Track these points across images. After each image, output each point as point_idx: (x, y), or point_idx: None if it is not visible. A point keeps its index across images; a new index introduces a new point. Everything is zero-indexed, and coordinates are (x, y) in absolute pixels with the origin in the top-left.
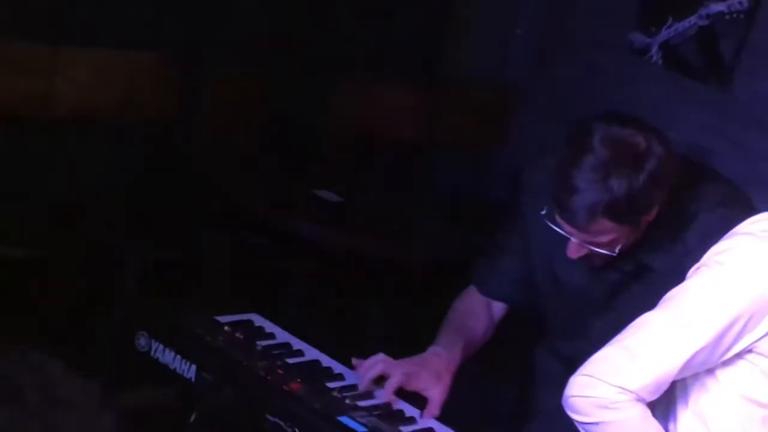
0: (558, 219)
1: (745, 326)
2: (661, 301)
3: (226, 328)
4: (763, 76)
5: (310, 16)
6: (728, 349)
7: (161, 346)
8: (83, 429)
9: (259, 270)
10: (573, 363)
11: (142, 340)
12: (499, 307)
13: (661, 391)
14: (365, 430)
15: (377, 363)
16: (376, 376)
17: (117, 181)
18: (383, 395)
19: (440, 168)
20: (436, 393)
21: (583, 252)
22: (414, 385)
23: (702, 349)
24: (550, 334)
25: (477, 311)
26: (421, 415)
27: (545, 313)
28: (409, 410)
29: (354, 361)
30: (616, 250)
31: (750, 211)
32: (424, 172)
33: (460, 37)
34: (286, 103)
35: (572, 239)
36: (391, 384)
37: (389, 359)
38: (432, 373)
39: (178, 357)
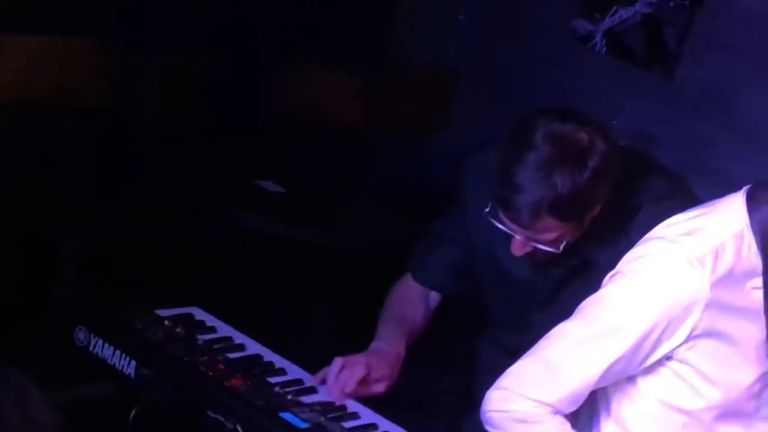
0: (501, 216)
1: (662, 334)
2: (577, 310)
3: (166, 322)
4: (707, 64)
5: (251, 0)
6: (647, 357)
7: (100, 341)
8: None
9: (200, 262)
10: (516, 355)
11: (80, 335)
12: (435, 296)
13: (579, 403)
14: (307, 426)
15: (341, 372)
16: (343, 388)
17: (53, 171)
18: (347, 386)
19: (384, 153)
20: (382, 386)
21: (527, 249)
22: (372, 378)
23: (619, 359)
24: (493, 326)
25: (414, 300)
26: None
27: (488, 304)
28: (352, 405)
29: (314, 379)
30: (561, 247)
31: (693, 202)
32: (367, 158)
33: (404, 21)
34: (226, 89)
35: (516, 236)
36: (355, 377)
37: (346, 359)
38: (386, 367)
39: (118, 352)
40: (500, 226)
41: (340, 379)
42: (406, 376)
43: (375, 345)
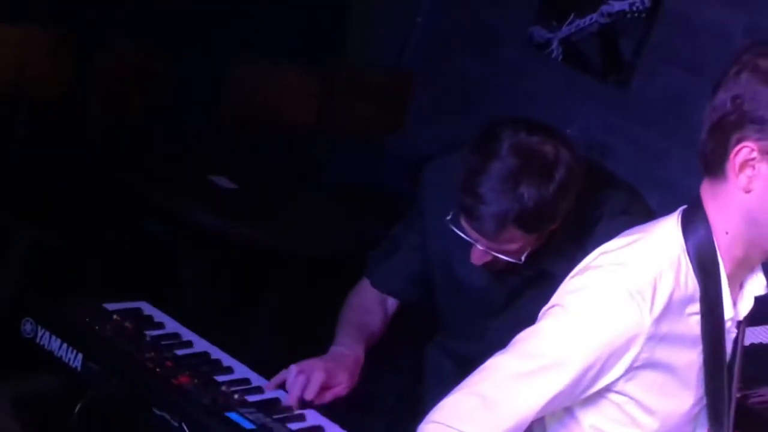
0: (464, 225)
1: (601, 369)
2: (513, 342)
3: (114, 316)
4: (662, 75)
5: None
6: (585, 390)
7: (47, 333)
8: None
9: (149, 256)
10: (466, 362)
11: (27, 326)
12: (392, 302)
13: None
14: (253, 427)
15: (298, 377)
16: (302, 393)
17: (7, 157)
18: (309, 394)
19: (336, 154)
20: (341, 389)
21: (487, 258)
22: (332, 383)
23: (558, 395)
24: (443, 332)
25: (372, 307)
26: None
27: (440, 311)
28: (298, 407)
29: (267, 385)
30: (522, 258)
31: (649, 217)
32: (320, 158)
33: (361, 23)
34: (183, 83)
35: (477, 246)
36: (316, 382)
37: (303, 364)
38: (344, 372)
39: (65, 345)
40: (461, 234)
41: (298, 384)
42: None
43: (334, 349)
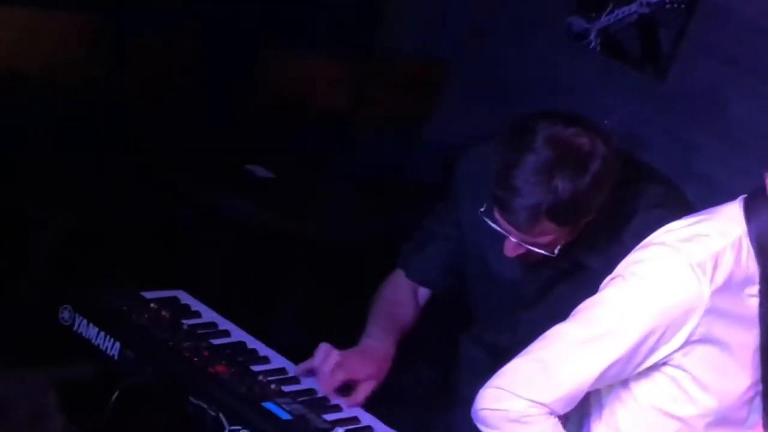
0: (497, 217)
1: (659, 339)
2: (575, 312)
3: (152, 304)
4: (700, 67)
5: None
6: (643, 361)
7: (85, 321)
8: None
9: (185, 245)
10: (499, 354)
11: (65, 314)
12: (424, 292)
13: (574, 405)
14: (290, 417)
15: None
16: (339, 379)
17: (37, 146)
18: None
19: (369, 143)
20: (372, 384)
21: (521, 251)
22: (358, 375)
23: (616, 362)
24: (477, 323)
25: (404, 298)
26: (345, 402)
27: (473, 302)
28: (334, 398)
29: (297, 370)
30: (556, 251)
31: (687, 210)
32: (353, 147)
33: (396, 11)
34: (215, 71)
35: (511, 238)
36: (336, 380)
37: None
38: (374, 365)
39: (102, 333)
40: (495, 226)
41: (327, 366)
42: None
43: (365, 342)
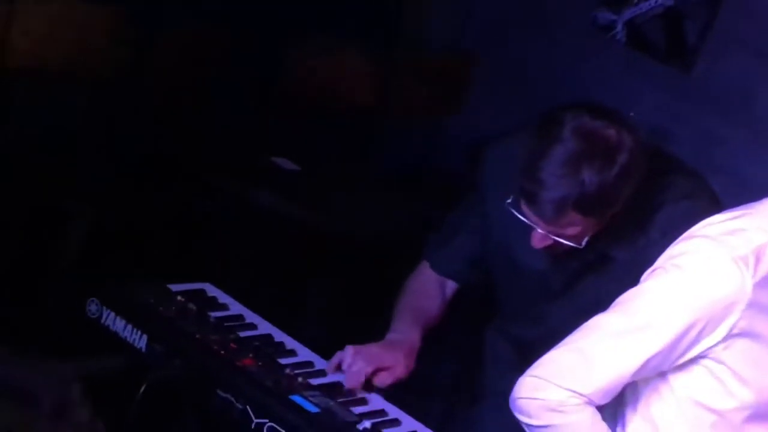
0: (524, 208)
1: (701, 332)
2: (615, 303)
3: (179, 297)
4: (726, 60)
5: None
6: (683, 354)
7: (112, 314)
8: None
9: (211, 237)
10: (524, 347)
11: (92, 307)
12: (451, 285)
13: (613, 396)
14: (317, 410)
15: (356, 360)
16: (363, 380)
17: (66, 139)
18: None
19: (395, 135)
20: (400, 372)
21: (547, 242)
22: (383, 365)
23: (657, 354)
24: (502, 316)
25: (431, 291)
26: (374, 379)
27: (499, 295)
28: (361, 390)
29: (329, 366)
30: (583, 243)
31: (715, 203)
32: (379, 139)
33: (422, 5)
34: (241, 63)
35: (537, 230)
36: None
37: (356, 353)
38: (400, 357)
39: (129, 326)
40: (522, 218)
41: (355, 366)
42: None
43: (390, 336)
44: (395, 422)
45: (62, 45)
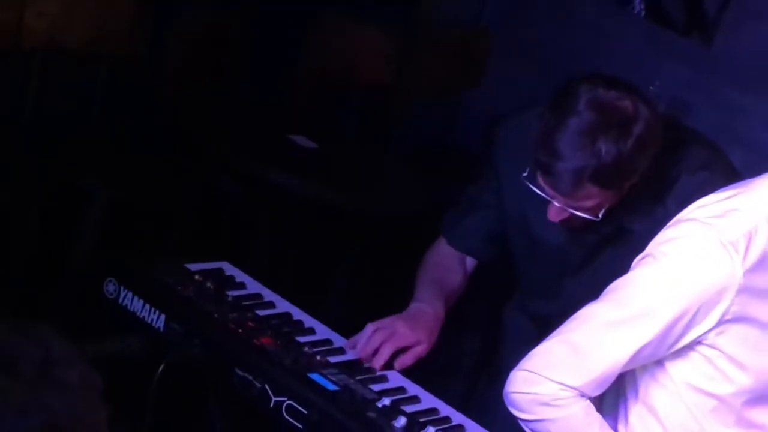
0: (540, 182)
1: (692, 320)
2: (605, 292)
3: (196, 276)
4: (746, 32)
5: None
6: (675, 342)
7: (130, 294)
8: (75, 415)
9: (227, 216)
10: (544, 322)
11: (110, 287)
12: (470, 261)
13: (606, 387)
14: (336, 388)
15: (373, 336)
16: (374, 349)
17: (84, 119)
18: (379, 357)
19: (414, 113)
20: (422, 349)
21: (564, 215)
22: (407, 341)
23: (648, 344)
24: (521, 292)
25: (452, 265)
26: (395, 362)
27: (517, 270)
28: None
29: (346, 345)
30: (600, 215)
31: (731, 174)
32: (398, 117)
33: None
34: (260, 43)
35: (554, 203)
36: (391, 345)
37: (380, 323)
38: (424, 329)
39: (147, 306)
40: (538, 191)
41: (372, 343)
42: None
43: (414, 306)
44: (415, 399)
45: (79, 25)
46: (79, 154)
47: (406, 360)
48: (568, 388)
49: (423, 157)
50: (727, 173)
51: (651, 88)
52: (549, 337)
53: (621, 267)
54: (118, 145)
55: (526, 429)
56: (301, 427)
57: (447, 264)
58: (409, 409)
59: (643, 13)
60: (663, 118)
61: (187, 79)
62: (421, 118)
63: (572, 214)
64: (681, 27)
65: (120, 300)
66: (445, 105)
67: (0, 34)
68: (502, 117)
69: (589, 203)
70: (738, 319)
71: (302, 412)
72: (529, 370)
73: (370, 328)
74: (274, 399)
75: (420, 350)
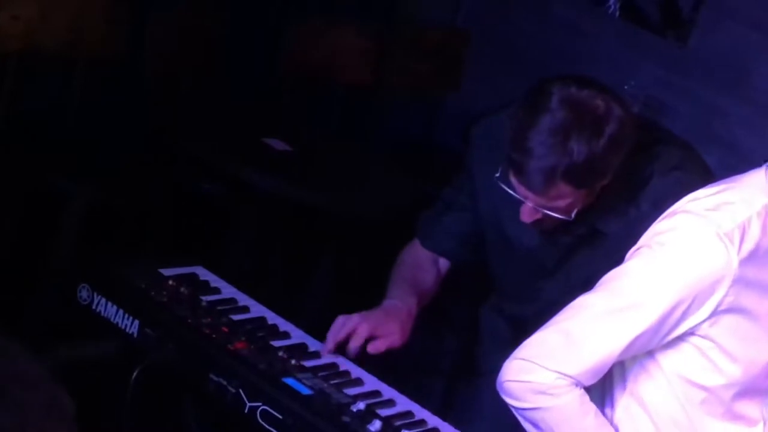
0: (512, 181)
1: (687, 310)
2: (601, 282)
3: (170, 281)
4: (722, 31)
5: None
6: (670, 332)
7: (103, 300)
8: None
9: (203, 219)
10: (520, 325)
11: (83, 293)
12: (445, 262)
13: (600, 376)
14: (311, 392)
15: (342, 326)
16: (343, 338)
17: (61, 120)
18: (351, 347)
19: (391, 114)
20: (394, 339)
21: (537, 216)
22: (380, 332)
23: (643, 333)
24: (497, 293)
25: (425, 265)
26: (368, 346)
27: (493, 272)
28: (356, 371)
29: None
30: (573, 215)
31: (705, 174)
32: (375, 118)
33: None
34: (237, 43)
35: (527, 203)
36: (360, 335)
37: (349, 316)
38: (397, 322)
39: (121, 311)
40: (510, 191)
41: (342, 332)
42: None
43: (386, 302)
44: (390, 403)
45: (54, 28)
46: (56, 156)
47: (379, 345)
48: (564, 377)
49: (401, 157)
50: (701, 173)
51: (626, 87)
52: (544, 326)
53: (596, 269)
54: (94, 147)
55: (520, 418)
56: (275, 431)
57: (420, 264)
58: (384, 412)
59: (617, 13)
60: (636, 118)
61: (165, 80)
62: (400, 118)
63: (545, 214)
64: (656, 26)
65: (94, 306)
66: (424, 105)
67: None
68: (477, 117)
69: (561, 203)
70: (731, 310)
71: (277, 416)
72: (524, 359)
73: (341, 319)
74: (248, 404)
75: (393, 340)
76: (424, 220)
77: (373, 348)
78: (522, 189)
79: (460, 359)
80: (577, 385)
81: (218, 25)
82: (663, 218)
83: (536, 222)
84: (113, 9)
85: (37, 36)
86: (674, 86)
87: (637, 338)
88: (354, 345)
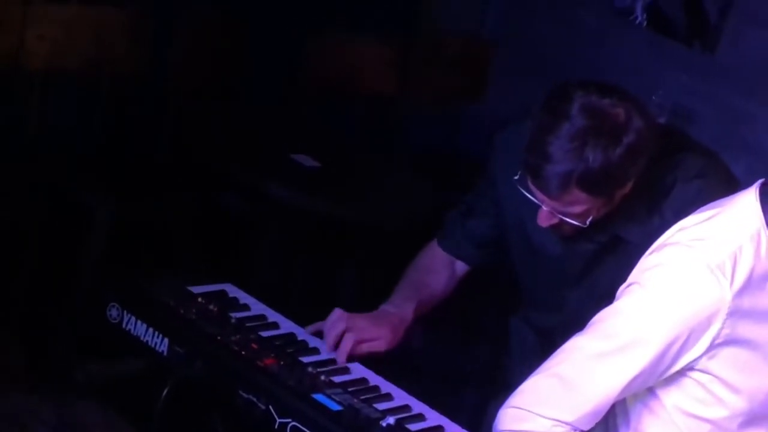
0: (530, 185)
1: (682, 346)
2: (591, 323)
3: (199, 299)
4: (749, 38)
5: None
6: (666, 370)
7: (133, 318)
8: None
9: (233, 237)
10: (547, 335)
11: (113, 312)
12: (462, 265)
13: (599, 419)
14: (340, 408)
15: (339, 321)
16: (340, 333)
17: (87, 137)
18: (340, 352)
19: (417, 123)
20: (379, 344)
21: (553, 221)
22: (366, 335)
23: (639, 374)
24: (524, 303)
25: (437, 267)
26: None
27: (520, 281)
28: (385, 386)
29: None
30: (587, 222)
31: (728, 182)
32: (400, 128)
33: None
34: (261, 56)
35: (543, 207)
36: (348, 340)
37: (347, 314)
38: (386, 327)
39: (150, 329)
40: (528, 195)
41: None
42: (434, 349)
43: (382, 307)
44: (420, 417)
45: (79, 47)
46: (82, 173)
47: (360, 349)
48: (561, 424)
49: (426, 168)
50: (724, 181)
51: (654, 97)
52: (536, 372)
53: (620, 278)
54: (119, 164)
55: None
56: None
57: (432, 266)
58: (414, 427)
59: (645, 22)
60: (659, 127)
61: (188, 95)
62: (424, 128)
63: (561, 219)
64: (683, 35)
65: (123, 324)
66: (449, 115)
67: (1, 57)
68: (502, 125)
69: (576, 209)
70: (729, 342)
71: None
72: (518, 407)
73: (337, 311)
74: (278, 420)
75: (377, 345)
76: (446, 223)
77: (355, 351)
78: (538, 193)
79: (490, 371)
80: (575, 431)
81: (240, 39)
82: (652, 251)
83: (554, 227)
84: (136, 27)
85: (62, 54)
86: (702, 94)
87: (633, 379)
88: (342, 354)
